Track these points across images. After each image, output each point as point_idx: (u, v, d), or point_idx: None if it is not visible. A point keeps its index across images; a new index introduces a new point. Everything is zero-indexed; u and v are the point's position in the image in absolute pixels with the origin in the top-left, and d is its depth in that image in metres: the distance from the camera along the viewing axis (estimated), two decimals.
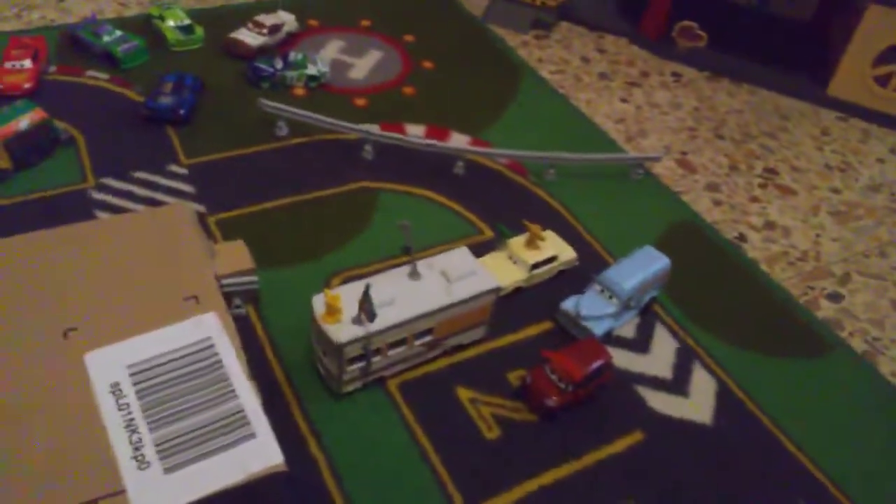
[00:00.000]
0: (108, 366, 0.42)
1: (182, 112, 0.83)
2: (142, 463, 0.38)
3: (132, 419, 0.40)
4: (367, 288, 0.55)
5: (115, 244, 0.48)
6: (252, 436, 0.39)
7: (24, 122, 0.74)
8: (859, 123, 1.02)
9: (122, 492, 0.37)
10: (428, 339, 0.61)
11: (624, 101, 1.00)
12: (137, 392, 0.41)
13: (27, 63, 0.86)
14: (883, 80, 1.00)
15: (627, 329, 0.68)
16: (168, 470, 0.38)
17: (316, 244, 0.72)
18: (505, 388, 0.62)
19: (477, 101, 0.95)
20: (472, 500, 0.54)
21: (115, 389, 0.41)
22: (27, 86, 0.84)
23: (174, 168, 0.79)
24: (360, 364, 0.58)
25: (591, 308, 0.66)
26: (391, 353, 0.59)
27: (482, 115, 0.93)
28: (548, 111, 0.96)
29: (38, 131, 0.76)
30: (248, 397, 0.41)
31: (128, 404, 0.40)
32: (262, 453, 0.39)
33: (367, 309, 0.55)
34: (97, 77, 0.90)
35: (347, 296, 0.56)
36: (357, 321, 0.56)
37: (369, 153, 0.83)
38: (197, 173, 0.78)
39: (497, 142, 0.88)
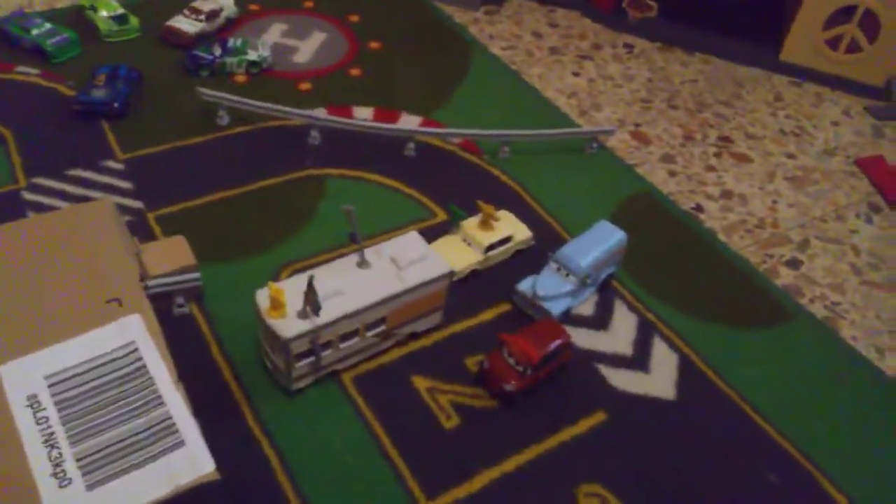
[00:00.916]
0: (25, 377, 0.39)
1: (116, 105, 0.79)
2: (62, 480, 0.35)
3: (52, 433, 0.37)
4: (311, 279, 0.52)
5: (32, 245, 0.45)
6: (181, 444, 0.37)
7: None
8: (813, 87, 1.01)
9: None
10: (381, 329, 0.58)
11: (576, 74, 0.98)
12: (56, 404, 0.38)
13: None
14: (833, 43, 0.99)
15: (586, 307, 0.67)
16: (91, 486, 0.35)
17: (262, 236, 0.69)
18: (463, 375, 0.60)
19: (427, 81, 0.92)
20: (433, 491, 0.53)
21: (33, 402, 0.38)
22: None
23: (110, 164, 0.75)
24: (310, 359, 0.55)
25: (548, 287, 0.64)
26: (343, 345, 0.56)
27: (433, 95, 0.90)
28: (500, 88, 0.94)
29: None
30: (176, 403, 0.38)
31: (46, 418, 0.38)
32: (192, 462, 0.36)
33: (311, 301, 0.53)
34: (27, 73, 0.85)
35: (292, 289, 0.54)
36: (303, 315, 0.53)
37: (316, 139, 0.80)
38: (134, 168, 0.75)
39: (449, 122, 0.85)
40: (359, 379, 0.60)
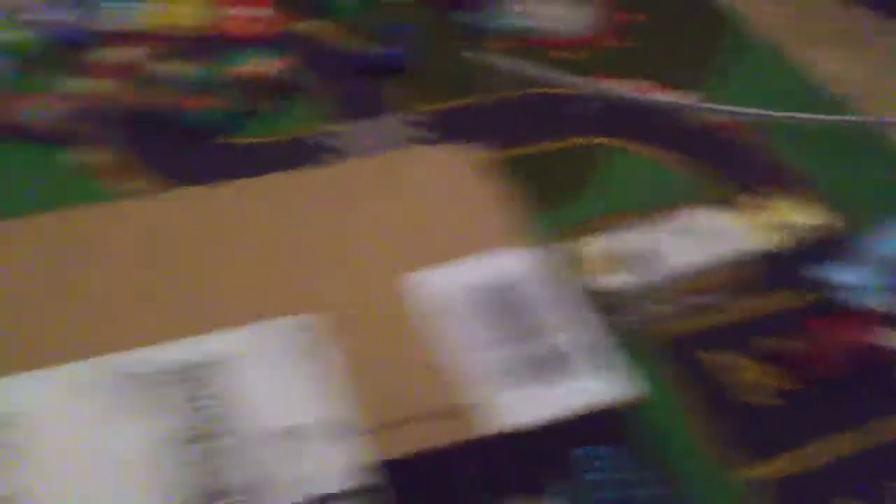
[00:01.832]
0: (438, 286, 0.44)
1: (398, 63, 0.85)
2: (486, 379, 0.41)
3: (468, 336, 0.42)
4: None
5: (403, 180, 0.52)
6: (592, 369, 0.41)
7: (260, 65, 0.78)
8: None
9: (470, 403, 0.40)
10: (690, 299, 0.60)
11: (853, 58, 0.94)
12: (471, 313, 0.43)
13: (261, 12, 0.90)
14: None
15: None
16: (512, 390, 0.40)
17: (530, 205, 0.73)
18: (760, 354, 0.60)
19: (692, 55, 0.92)
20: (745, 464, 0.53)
21: (448, 308, 0.43)
22: (261, 32, 0.88)
23: (398, 118, 0.81)
24: (623, 315, 0.57)
25: (856, 277, 0.63)
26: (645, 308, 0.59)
27: (697, 70, 0.90)
28: (769, 67, 0.92)
29: (271, 76, 0.80)
30: (581, 332, 0.43)
31: (463, 321, 0.43)
32: (606, 385, 0.41)
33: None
34: (313, 25, 0.93)
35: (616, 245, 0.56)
36: (630, 272, 0.56)
37: (582, 107, 0.83)
38: (420, 125, 0.80)
39: (715, 98, 0.85)
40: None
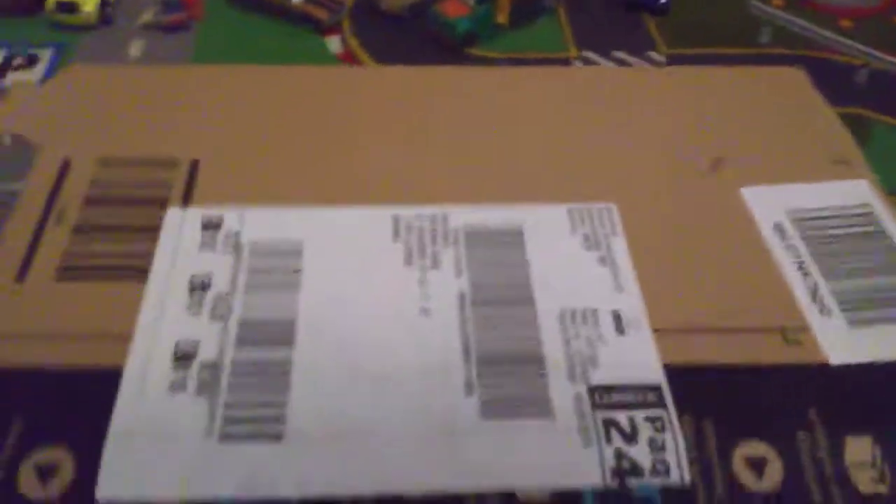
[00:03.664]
0: (768, 205, 0.40)
1: (662, 2, 0.81)
2: (822, 309, 0.36)
3: (802, 262, 0.38)
4: None
5: (734, 92, 0.48)
6: None
7: None
8: None
9: (807, 329, 0.36)
10: None
11: None
12: (803, 238, 0.39)
13: None
14: None
15: None
16: (853, 324, 0.36)
17: None
18: None
19: None
20: None
21: (779, 230, 0.39)
22: None
23: (653, 55, 0.77)
24: None
25: None
26: None
27: None
28: None
29: None
30: None
31: (795, 247, 0.39)
32: None
33: None
34: None
35: None
36: None
37: (864, 77, 0.75)
38: (672, 64, 0.76)
39: None
40: None
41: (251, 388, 0.33)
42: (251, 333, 0.35)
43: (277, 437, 0.31)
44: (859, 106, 0.77)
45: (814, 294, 0.37)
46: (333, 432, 0.32)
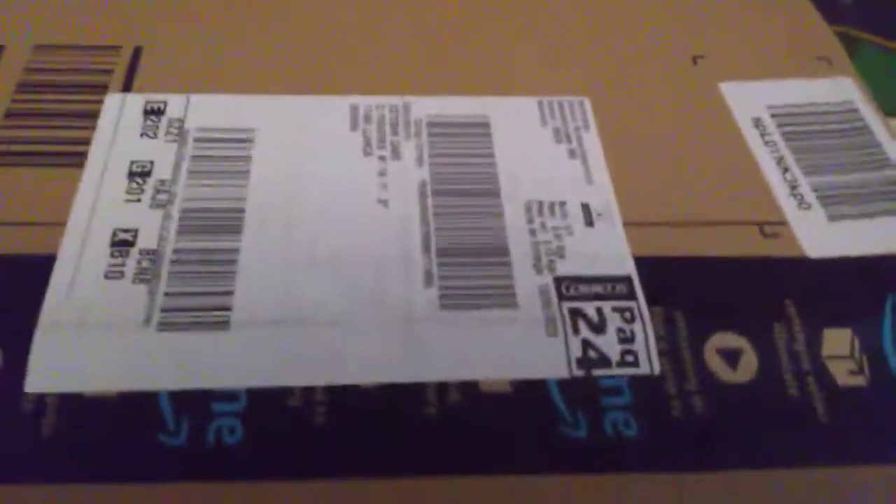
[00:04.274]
0: (747, 100, 0.38)
1: None
2: (801, 203, 0.35)
3: (781, 157, 0.36)
4: None
5: None
6: None
7: None
8: None
9: (785, 223, 0.34)
10: None
11: None
12: (783, 134, 0.37)
13: None
14: None
15: None
16: (832, 218, 0.34)
17: None
18: None
19: None
20: None
21: (758, 125, 0.38)
22: None
23: None
24: None
25: None
26: None
27: None
28: None
29: None
30: None
31: (774, 142, 0.37)
32: None
33: None
34: None
35: None
36: None
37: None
38: None
39: None
40: None
41: (194, 278, 0.31)
42: (195, 222, 0.32)
43: (222, 326, 0.29)
44: (846, 25, 0.75)
45: (793, 189, 0.35)
46: (283, 320, 0.30)
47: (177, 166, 0.34)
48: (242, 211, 0.33)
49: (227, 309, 0.30)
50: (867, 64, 0.66)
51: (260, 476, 0.26)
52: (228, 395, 0.28)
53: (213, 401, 0.28)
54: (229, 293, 0.30)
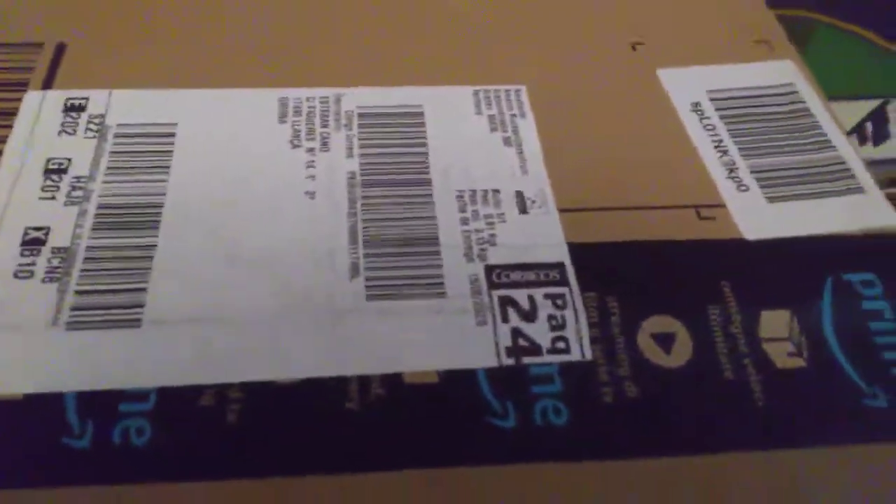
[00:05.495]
0: (685, 85, 0.38)
1: None
2: (740, 185, 0.34)
3: (720, 140, 0.36)
4: (884, 104, 0.48)
5: None
6: (859, 189, 0.34)
7: None
8: None
9: (722, 206, 0.33)
10: None
11: None
12: (722, 117, 0.37)
13: None
14: None
15: None
16: (771, 200, 0.34)
17: None
18: None
19: None
20: None
21: (696, 109, 0.37)
22: None
23: None
24: None
25: None
26: None
27: None
28: None
29: None
30: (847, 150, 0.36)
31: (713, 125, 0.36)
32: (875, 210, 0.34)
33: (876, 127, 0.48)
34: None
35: None
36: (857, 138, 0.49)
37: None
38: None
39: None
40: None
41: (107, 275, 0.29)
42: (111, 218, 0.31)
43: (133, 324, 0.28)
44: (801, 8, 0.74)
45: (731, 171, 0.34)
46: (198, 317, 0.28)
47: (95, 162, 0.33)
48: (161, 206, 0.31)
49: (140, 306, 0.28)
50: (824, 46, 0.66)
51: (169, 477, 0.25)
52: (137, 396, 0.27)
53: (121, 401, 0.27)
54: (143, 290, 0.29)
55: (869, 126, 0.52)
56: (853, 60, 0.64)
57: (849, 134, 0.48)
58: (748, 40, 0.40)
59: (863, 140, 0.52)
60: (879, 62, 0.61)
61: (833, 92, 0.51)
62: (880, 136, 0.52)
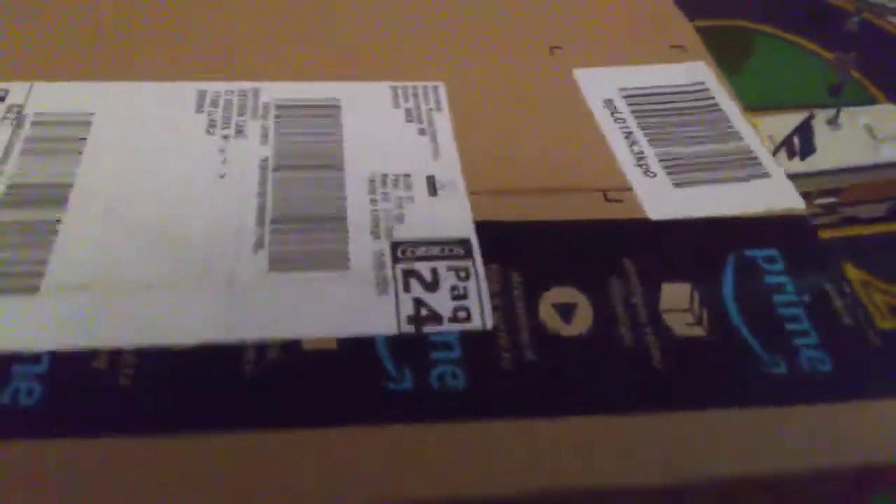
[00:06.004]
0: (599, 84, 0.39)
1: None
2: (647, 172, 0.35)
3: (630, 132, 0.37)
4: (810, 118, 0.49)
5: None
6: (765, 175, 0.35)
7: None
8: None
9: (630, 189, 0.34)
10: (830, 200, 0.54)
11: None
12: (633, 112, 0.38)
13: None
14: None
15: None
16: (678, 185, 0.34)
17: None
18: None
19: None
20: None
21: (609, 105, 0.38)
22: None
23: None
24: None
25: None
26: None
27: None
28: None
29: None
30: (754, 140, 0.37)
31: (624, 119, 0.37)
32: (779, 193, 0.34)
33: (803, 141, 0.50)
34: None
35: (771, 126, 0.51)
36: (786, 153, 0.50)
37: None
38: None
39: None
40: None
41: (9, 249, 0.29)
42: (18, 197, 0.31)
43: (30, 291, 0.28)
44: (740, 18, 0.76)
45: (640, 159, 0.35)
46: (96, 283, 0.28)
47: (9, 148, 0.33)
48: (70, 186, 0.32)
49: (39, 275, 0.28)
50: (766, 56, 0.67)
51: (56, 435, 0.25)
52: (30, 358, 0.26)
53: (13, 363, 0.26)
54: (43, 261, 0.29)
55: (796, 140, 0.53)
56: (796, 70, 0.66)
57: (778, 148, 0.49)
58: (663, 45, 0.42)
59: (791, 154, 0.54)
60: (822, 73, 0.62)
61: (776, 101, 0.53)
62: (806, 151, 0.54)
